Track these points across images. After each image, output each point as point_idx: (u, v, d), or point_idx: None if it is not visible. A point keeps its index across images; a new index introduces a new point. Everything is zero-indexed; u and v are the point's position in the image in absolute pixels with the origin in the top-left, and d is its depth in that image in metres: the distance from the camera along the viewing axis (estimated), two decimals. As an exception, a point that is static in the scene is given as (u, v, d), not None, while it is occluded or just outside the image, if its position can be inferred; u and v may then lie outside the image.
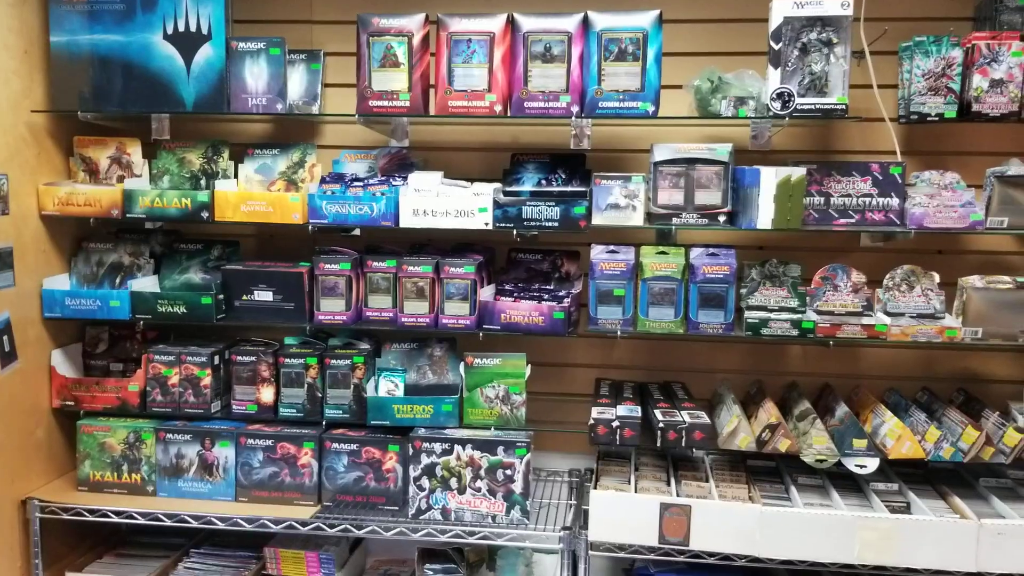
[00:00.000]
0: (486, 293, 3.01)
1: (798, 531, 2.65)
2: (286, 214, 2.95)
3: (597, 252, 2.92)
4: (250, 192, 3.08)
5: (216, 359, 3.10)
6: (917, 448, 2.72)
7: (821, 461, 2.74)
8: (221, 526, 2.94)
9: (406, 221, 2.91)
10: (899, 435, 2.74)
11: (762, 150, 3.10)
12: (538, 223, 2.87)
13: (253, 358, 3.07)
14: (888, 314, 2.87)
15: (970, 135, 3.08)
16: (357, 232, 3.15)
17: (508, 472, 2.88)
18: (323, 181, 3.03)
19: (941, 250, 3.14)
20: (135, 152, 3.18)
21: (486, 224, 2.89)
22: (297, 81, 3.23)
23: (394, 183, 2.98)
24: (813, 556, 2.67)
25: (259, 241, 3.44)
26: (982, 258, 3.13)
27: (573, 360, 3.38)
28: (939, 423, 2.87)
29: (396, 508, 2.97)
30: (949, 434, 2.79)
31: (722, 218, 2.83)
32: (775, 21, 2.73)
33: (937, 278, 2.90)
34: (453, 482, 2.90)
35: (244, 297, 3.04)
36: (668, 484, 2.90)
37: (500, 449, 2.87)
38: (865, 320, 2.82)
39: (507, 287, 3.08)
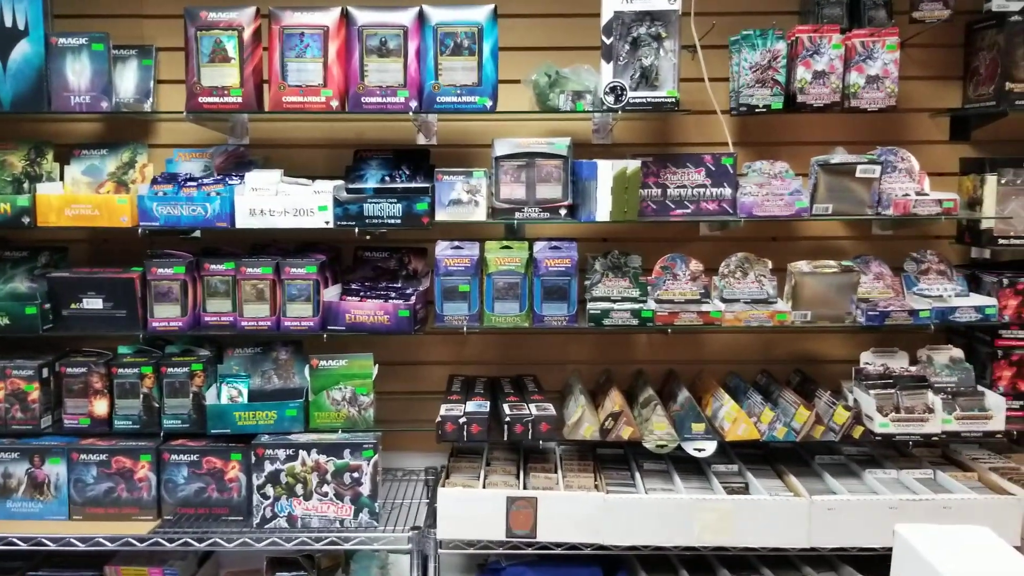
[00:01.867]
0: (331, 293, 2.95)
1: (639, 517, 2.71)
2: (114, 217, 2.81)
3: (442, 248, 2.90)
4: (75, 195, 2.92)
5: (44, 372, 2.93)
6: (752, 429, 2.82)
7: (662, 446, 2.81)
8: (52, 547, 2.79)
9: (242, 221, 2.82)
10: (735, 417, 2.83)
11: (604, 143, 3.16)
12: (380, 220, 2.83)
13: (84, 369, 2.92)
14: (724, 301, 2.96)
15: (799, 125, 3.20)
16: (198, 234, 3.03)
17: (355, 475, 2.83)
18: (154, 182, 2.91)
19: (775, 237, 3.26)
20: (-52, 155, 2.98)
21: (327, 223, 2.83)
22: (128, 78, 3.09)
23: (230, 182, 2.88)
24: (655, 540, 2.73)
25: (92, 247, 3.27)
26: (814, 244, 3.26)
27: (426, 358, 3.36)
28: (775, 404, 2.98)
29: (241, 518, 2.88)
30: (783, 415, 2.90)
31: (563, 211, 2.85)
32: (606, 15, 2.77)
33: (770, 264, 3.01)
34: (299, 488, 2.83)
35: (72, 305, 2.88)
36: (518, 477, 2.91)
37: (346, 452, 2.82)
38: (702, 307, 2.90)
39: (353, 286, 3.03)
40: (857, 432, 2.81)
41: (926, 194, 2.93)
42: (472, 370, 3.35)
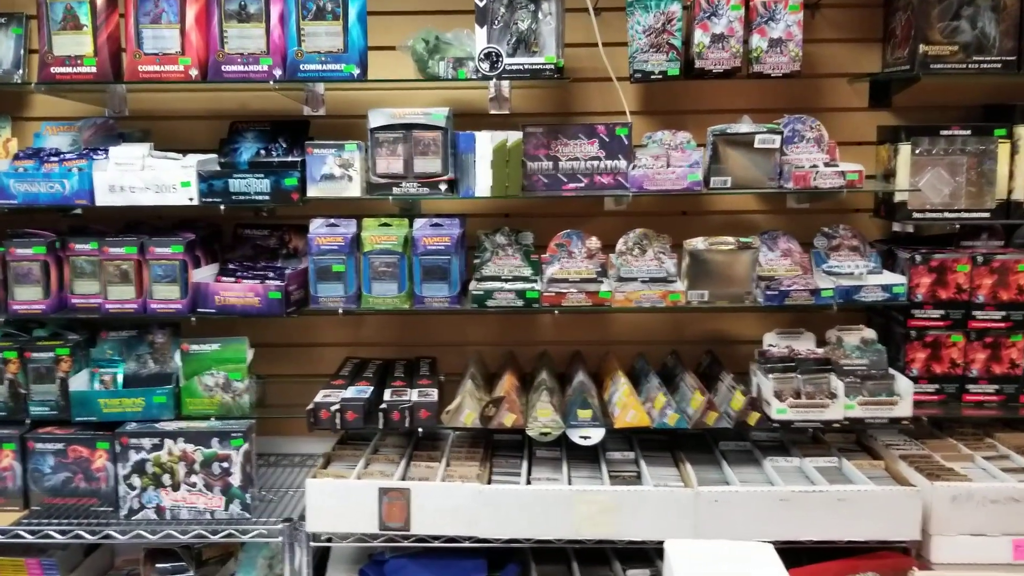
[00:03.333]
0: (203, 273, 2.80)
1: (517, 508, 2.57)
2: (-33, 195, 2.67)
3: (315, 227, 2.75)
4: (-70, 171, 2.77)
5: (-98, 358, 2.81)
6: (642, 416, 2.66)
7: (546, 434, 2.66)
8: (-91, 540, 2.68)
9: (102, 199, 2.67)
10: (625, 403, 2.68)
11: (502, 113, 2.98)
12: (248, 197, 2.68)
13: (-57, 354, 2.80)
14: (621, 279, 2.79)
15: (704, 93, 3.01)
16: (79, 211, 2.89)
17: (225, 464, 2.69)
18: (16, 157, 2.76)
19: (685, 211, 3.08)
20: None
21: (191, 200, 2.68)
22: (-1, 47, 2.93)
23: (95, 157, 2.73)
24: (535, 533, 2.59)
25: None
26: (724, 218, 3.09)
27: (322, 339, 3.21)
28: (676, 389, 2.82)
29: (110, 509, 2.76)
30: (681, 400, 2.74)
31: (443, 186, 2.68)
32: (480, -24, 2.58)
33: (670, 241, 2.84)
34: (166, 478, 2.70)
35: (-70, 288, 2.75)
36: (398, 466, 2.77)
37: (214, 440, 2.69)
38: (591, 287, 2.73)
39: (231, 266, 2.88)
40: (752, 419, 2.66)
41: (835, 165, 2.75)
42: (370, 352, 3.20)
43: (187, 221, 2.98)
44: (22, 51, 2.95)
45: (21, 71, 2.94)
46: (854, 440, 2.95)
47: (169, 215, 2.98)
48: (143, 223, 2.97)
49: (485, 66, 2.58)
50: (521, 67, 2.59)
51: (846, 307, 2.77)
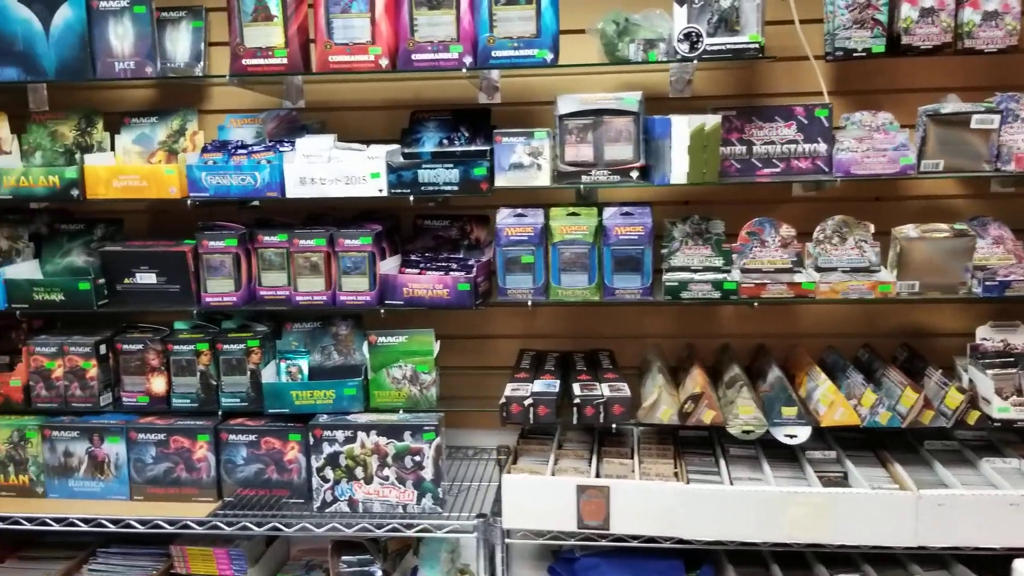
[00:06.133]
0: (388, 265, 2.78)
1: (723, 510, 2.46)
2: (162, 188, 2.69)
3: (503, 217, 2.69)
4: (122, 166, 2.81)
5: (102, 348, 2.87)
6: (851, 414, 2.52)
7: (748, 432, 2.54)
8: (113, 529, 2.74)
9: (293, 191, 2.66)
10: (832, 400, 2.54)
11: (683, 97, 2.88)
12: (436, 187, 2.63)
13: (140, 346, 2.84)
14: (819, 269, 2.65)
15: (903, 71, 2.83)
16: (256, 203, 2.91)
17: (417, 458, 2.67)
18: (204, 150, 2.78)
19: (879, 197, 2.91)
20: (2, 127, 2.91)
21: (380, 191, 2.64)
22: (179, 41, 2.93)
23: (281, 149, 2.73)
24: (740, 535, 2.49)
25: (149, 217, 3.18)
26: (922, 204, 2.91)
27: (495, 331, 3.16)
28: (878, 384, 2.67)
29: (302, 501, 2.77)
30: (887, 397, 2.59)
31: (634, 174, 2.59)
32: (680, -48, 2.46)
33: (872, 228, 2.68)
34: (359, 471, 2.69)
35: (126, 280, 2.80)
36: (590, 462, 2.70)
37: (407, 434, 2.66)
38: (792, 277, 2.60)
39: (413, 257, 2.85)
40: (972, 418, 2.49)
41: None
42: (544, 344, 3.13)
43: (366, 212, 2.96)
44: (202, 44, 2.96)
45: (202, 64, 2.95)
46: (1067, 440, 2.76)
47: (349, 207, 2.96)
48: (325, 215, 2.96)
49: (685, 47, 2.47)
50: (723, 47, 2.47)
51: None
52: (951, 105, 2.57)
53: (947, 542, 2.41)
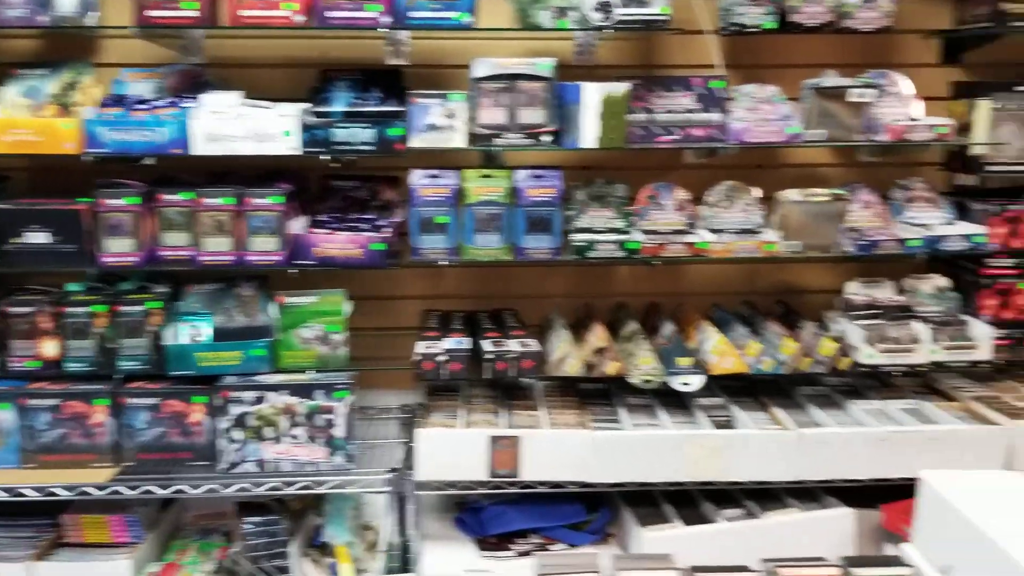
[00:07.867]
0: (297, 225, 2.76)
1: (628, 454, 2.63)
2: (57, 143, 2.57)
3: (417, 178, 2.73)
4: (14, 119, 2.65)
5: (-13, 311, 2.72)
6: (740, 363, 2.74)
7: (648, 381, 2.72)
8: (5, 497, 2.62)
9: (199, 148, 2.60)
10: (722, 351, 2.75)
11: (587, 65, 2.98)
12: (351, 147, 2.64)
13: (31, 308, 2.71)
14: (711, 231, 2.85)
15: (788, 47, 3.06)
16: (151, 161, 2.80)
17: (328, 416, 2.69)
18: (103, 105, 2.67)
19: (761, 164, 3.14)
20: None
21: (293, 149, 2.63)
22: (69, -12, 2.80)
23: (185, 105, 2.65)
24: (643, 477, 2.67)
25: (36, 175, 3.01)
26: (800, 171, 3.16)
27: (400, 292, 3.20)
28: (760, 336, 2.90)
29: (207, 463, 2.74)
30: (769, 347, 2.82)
31: (547, 138, 2.69)
32: (592, -77, 2.57)
33: (759, 193, 2.90)
34: (268, 431, 2.69)
35: (14, 240, 2.66)
36: (497, 415, 2.80)
37: (318, 393, 2.68)
38: (688, 238, 2.78)
39: (322, 218, 2.84)
40: (844, 364, 2.77)
41: (918, 119, 2.84)
42: (447, 304, 3.20)
43: (272, 172, 2.92)
44: (92, -8, 2.82)
45: (96, 14, 2.81)
46: (921, 384, 3.09)
47: (253, 165, 2.91)
48: (228, 173, 2.90)
49: (598, 16, 2.58)
50: (635, 17, 2.59)
51: (926, 257, 2.88)
52: (831, 79, 2.81)
53: (822, 475, 2.68)
